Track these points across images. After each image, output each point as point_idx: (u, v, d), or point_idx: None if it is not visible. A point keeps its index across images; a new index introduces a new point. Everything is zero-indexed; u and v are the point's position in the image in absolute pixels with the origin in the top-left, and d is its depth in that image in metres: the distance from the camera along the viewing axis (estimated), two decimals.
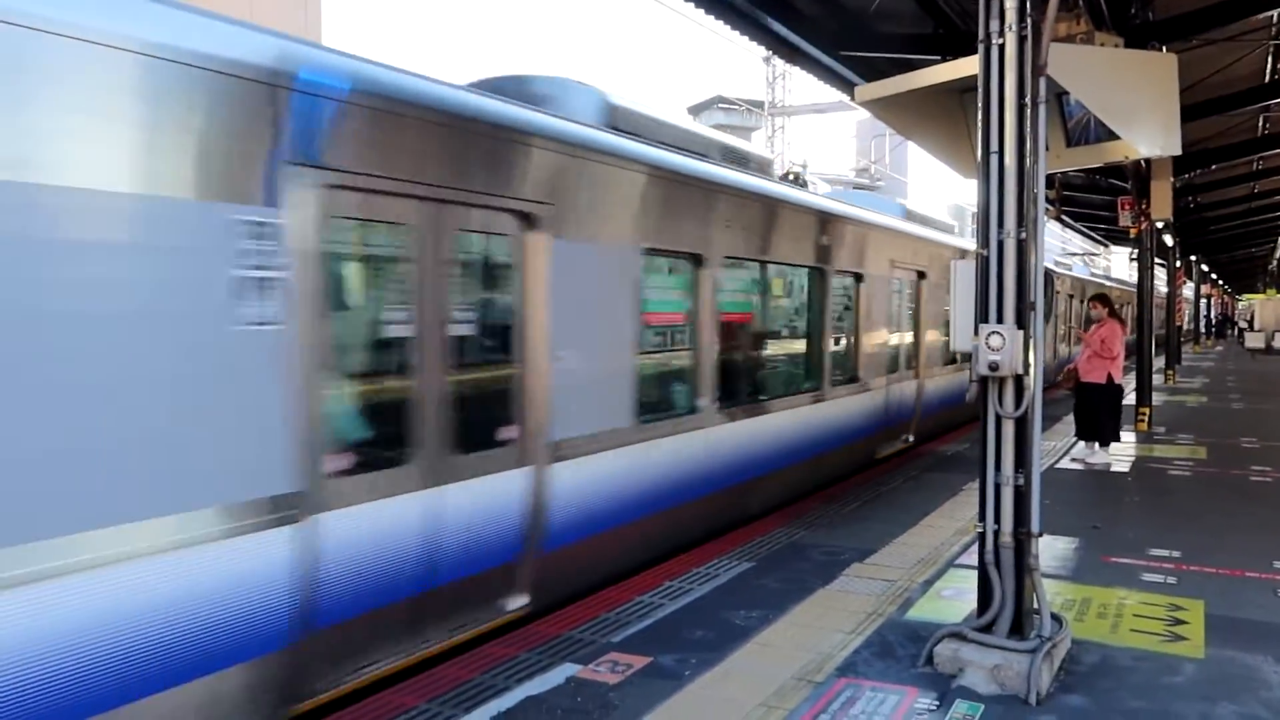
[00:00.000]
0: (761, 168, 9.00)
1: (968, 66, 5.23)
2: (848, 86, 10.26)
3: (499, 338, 5.39)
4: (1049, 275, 21.58)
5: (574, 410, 5.76)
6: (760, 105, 34.60)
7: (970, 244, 14.29)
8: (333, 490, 4.29)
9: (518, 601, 5.46)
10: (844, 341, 10.21)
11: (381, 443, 4.65)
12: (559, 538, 5.70)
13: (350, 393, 4.61)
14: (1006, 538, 4.63)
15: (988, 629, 4.64)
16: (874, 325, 10.74)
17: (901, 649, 4.96)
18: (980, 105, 4.63)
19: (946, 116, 6.36)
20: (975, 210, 4.87)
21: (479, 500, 5.10)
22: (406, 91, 4.74)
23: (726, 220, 7.52)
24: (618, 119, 6.66)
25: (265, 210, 3.95)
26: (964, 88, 5.75)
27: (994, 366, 4.51)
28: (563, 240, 5.65)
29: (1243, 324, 52.37)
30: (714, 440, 7.38)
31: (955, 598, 5.77)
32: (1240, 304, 67.56)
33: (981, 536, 4.72)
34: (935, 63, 6.61)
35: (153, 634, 3.58)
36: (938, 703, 4.31)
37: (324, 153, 4.20)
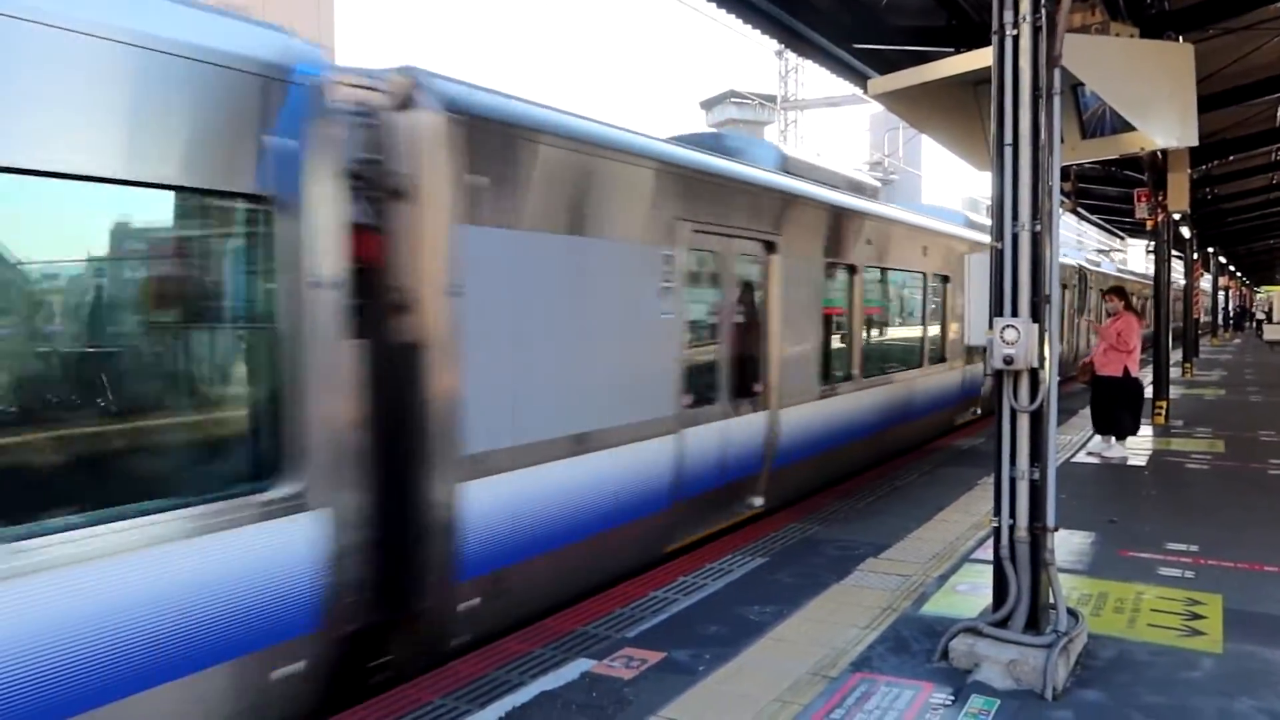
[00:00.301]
0: (873, 194, 11.29)
1: (981, 58, 5.21)
2: (861, 80, 10.22)
3: (754, 324, 8.04)
4: (1083, 273, 22.03)
5: (791, 374, 8.39)
6: (773, 99, 34.52)
7: None
8: (685, 417, 6.92)
9: (758, 501, 8.11)
10: (937, 330, 12.75)
11: (704, 389, 7.29)
12: (780, 460, 8.32)
13: (690, 356, 7.11)
14: (1022, 532, 4.61)
15: (1003, 624, 4.62)
16: (955, 317, 12.97)
17: (916, 644, 4.95)
18: (994, 97, 4.60)
19: (960, 109, 6.33)
20: (990, 203, 4.84)
21: (744, 430, 7.78)
22: (721, 167, 7.55)
23: (867, 238, 10.11)
24: (788, 165, 9.18)
25: (670, 248, 6.71)
26: (978, 80, 5.73)
27: (1009, 360, 4.49)
28: (786, 259, 8.22)
29: (1261, 316, 51.93)
30: (860, 399, 10.00)
31: (970, 592, 5.74)
32: (1258, 296, 66.98)
33: (997, 531, 4.70)
34: (948, 55, 6.57)
35: (634, 484, 6.37)
36: (953, 698, 4.30)
37: (690, 210, 6.92)
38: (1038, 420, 4.58)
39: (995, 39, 4.58)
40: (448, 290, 4.82)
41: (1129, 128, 6.02)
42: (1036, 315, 4.51)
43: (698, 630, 5.20)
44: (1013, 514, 4.63)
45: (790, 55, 30.79)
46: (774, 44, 20.03)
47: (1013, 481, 4.63)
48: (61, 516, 3.34)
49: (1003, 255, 4.59)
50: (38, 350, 3.61)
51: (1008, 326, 4.49)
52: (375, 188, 4.64)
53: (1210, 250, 34.91)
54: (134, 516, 3.50)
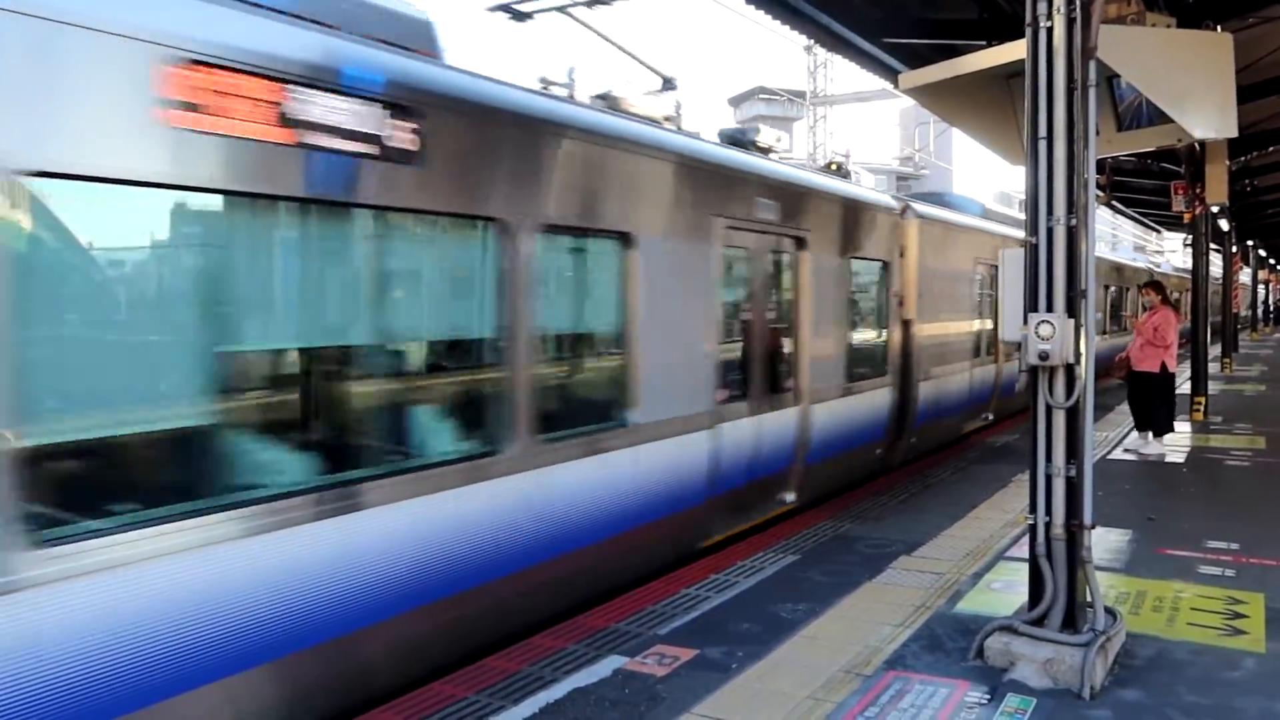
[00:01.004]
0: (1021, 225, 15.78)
1: (1015, 51, 5.15)
2: (891, 74, 10.15)
3: (992, 316, 13.08)
4: (1152, 275, 22.45)
5: (1007, 345, 12.94)
6: (801, 95, 34.37)
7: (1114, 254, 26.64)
8: (974, 362, 12.77)
9: (990, 416, 13.76)
10: None
11: (978, 348, 12.99)
12: (1002, 393, 13.99)
13: (976, 332, 12.90)
14: (1058, 530, 4.56)
15: (1039, 622, 4.58)
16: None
17: (951, 642, 4.92)
18: (1028, 90, 4.55)
19: (993, 102, 6.27)
20: (1024, 198, 4.80)
21: (989, 371, 13.45)
22: (988, 225, 13.75)
23: None
24: (986, 213, 14.53)
25: (974, 272, 12.93)
26: (1011, 73, 5.67)
27: (1044, 356, 4.44)
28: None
29: None
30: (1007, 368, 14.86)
31: (1005, 590, 5.69)
32: None
33: (1032, 528, 4.65)
34: (981, 48, 6.51)
35: (961, 393, 12.60)
36: (989, 696, 4.27)
37: (977, 251, 12.94)
38: (1074, 416, 4.53)
39: (1029, 31, 4.53)
40: (917, 295, 10.46)
41: (1166, 119, 5.92)
42: (1072, 310, 4.46)
43: (730, 628, 5.20)
44: (1049, 511, 4.58)
45: (819, 50, 30.64)
46: (803, 39, 19.96)
47: (1049, 478, 4.58)
48: (856, 380, 9.32)
49: (1038, 250, 4.54)
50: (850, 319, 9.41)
51: (1043, 322, 4.44)
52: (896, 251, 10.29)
53: (1250, 243, 34.31)
54: (861, 381, 9.38)
